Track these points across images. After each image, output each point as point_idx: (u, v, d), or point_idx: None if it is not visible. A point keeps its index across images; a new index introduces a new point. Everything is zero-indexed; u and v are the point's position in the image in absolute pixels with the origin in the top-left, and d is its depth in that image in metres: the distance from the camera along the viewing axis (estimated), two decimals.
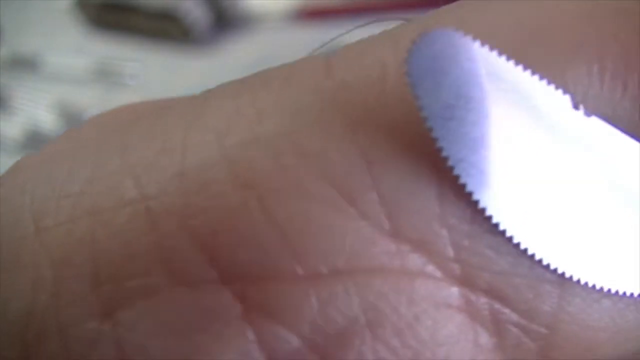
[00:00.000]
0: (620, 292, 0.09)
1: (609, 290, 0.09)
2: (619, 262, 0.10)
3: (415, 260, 0.09)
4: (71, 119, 0.47)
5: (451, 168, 0.09)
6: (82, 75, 0.52)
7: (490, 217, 0.09)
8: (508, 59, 0.09)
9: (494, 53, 0.09)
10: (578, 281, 0.09)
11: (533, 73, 0.09)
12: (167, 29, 0.55)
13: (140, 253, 0.09)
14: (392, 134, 0.09)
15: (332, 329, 0.09)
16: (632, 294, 0.10)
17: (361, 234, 0.09)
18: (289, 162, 0.09)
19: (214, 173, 0.09)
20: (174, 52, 0.55)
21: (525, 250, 0.09)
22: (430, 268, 0.09)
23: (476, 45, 0.09)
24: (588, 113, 0.09)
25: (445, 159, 0.09)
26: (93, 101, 0.49)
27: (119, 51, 0.54)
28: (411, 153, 0.09)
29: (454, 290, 0.09)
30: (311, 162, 0.09)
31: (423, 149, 0.09)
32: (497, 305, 0.09)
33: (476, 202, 0.09)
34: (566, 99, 0.09)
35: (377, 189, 0.09)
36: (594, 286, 0.09)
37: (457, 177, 0.09)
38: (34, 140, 0.46)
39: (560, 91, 0.09)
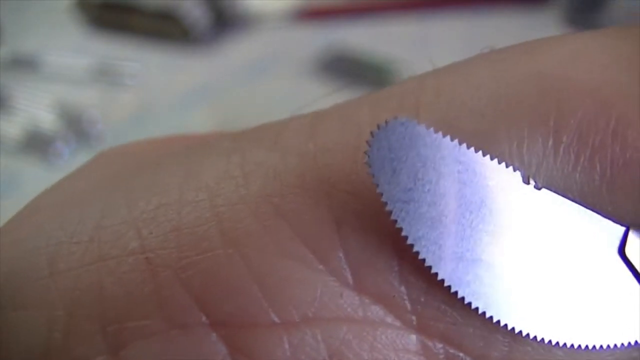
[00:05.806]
0: (569, 345, 0.10)
1: (557, 343, 0.10)
2: (569, 318, 0.10)
3: (376, 311, 0.10)
4: (71, 119, 0.48)
5: (411, 246, 0.10)
6: (82, 75, 0.52)
7: (449, 287, 0.10)
8: (460, 143, 0.10)
9: (447, 138, 0.10)
10: (527, 335, 0.10)
11: (485, 154, 0.10)
12: (167, 29, 0.56)
13: (141, 299, 0.10)
14: (361, 199, 0.10)
15: None
16: (579, 346, 0.10)
17: (329, 287, 0.10)
18: (269, 223, 0.10)
19: (205, 230, 0.11)
20: (174, 52, 0.55)
21: (476, 309, 0.10)
22: (390, 318, 0.10)
23: (430, 132, 0.09)
24: (538, 186, 0.10)
25: (405, 237, 0.10)
26: (93, 101, 0.50)
27: (119, 51, 0.55)
28: (376, 217, 0.10)
29: (412, 337, 0.10)
30: (288, 223, 0.10)
31: (386, 215, 0.10)
32: (452, 350, 0.10)
33: (435, 275, 0.10)
34: (517, 175, 0.10)
35: (343, 248, 0.10)
36: (542, 340, 0.10)
37: (417, 254, 0.10)
38: (34, 140, 0.47)
39: (510, 168, 0.10)
